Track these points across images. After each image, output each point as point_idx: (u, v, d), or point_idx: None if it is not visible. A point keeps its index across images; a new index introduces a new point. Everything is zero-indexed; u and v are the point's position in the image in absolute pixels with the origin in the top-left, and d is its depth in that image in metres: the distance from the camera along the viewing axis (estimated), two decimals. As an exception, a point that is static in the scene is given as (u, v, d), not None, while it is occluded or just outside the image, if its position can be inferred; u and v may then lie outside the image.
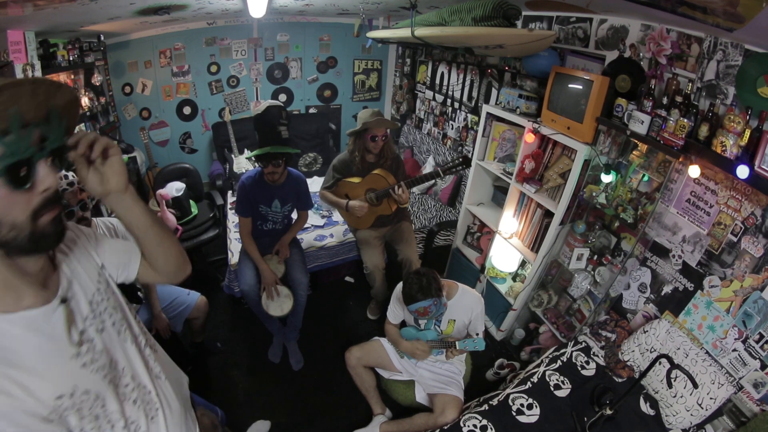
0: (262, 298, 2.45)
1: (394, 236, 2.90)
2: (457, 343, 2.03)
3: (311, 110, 5.08)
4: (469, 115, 3.71)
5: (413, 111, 4.69)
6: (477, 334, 2.10)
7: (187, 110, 4.55)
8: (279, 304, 2.48)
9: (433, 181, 3.89)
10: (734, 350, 1.82)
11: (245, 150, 4.17)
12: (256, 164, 2.64)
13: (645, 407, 1.93)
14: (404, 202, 2.56)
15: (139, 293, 2.13)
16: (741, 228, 1.77)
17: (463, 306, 2.12)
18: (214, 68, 4.44)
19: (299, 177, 2.55)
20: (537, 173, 2.55)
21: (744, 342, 1.78)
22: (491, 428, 1.80)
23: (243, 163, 3.99)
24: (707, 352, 1.92)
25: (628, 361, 2.10)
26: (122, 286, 1.96)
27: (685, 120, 1.69)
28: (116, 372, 0.85)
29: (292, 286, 2.53)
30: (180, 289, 2.39)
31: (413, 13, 2.33)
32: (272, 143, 2.26)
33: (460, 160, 2.45)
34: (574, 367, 2.12)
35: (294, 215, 2.72)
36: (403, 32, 2.54)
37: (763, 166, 1.47)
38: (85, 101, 3.36)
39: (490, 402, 1.94)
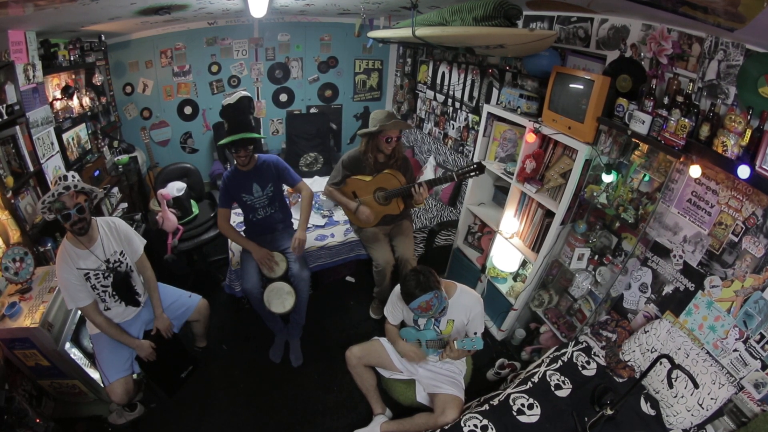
0: (264, 294, 2.45)
1: (393, 231, 2.91)
2: (455, 342, 2.03)
3: (312, 110, 5.08)
4: (470, 114, 3.70)
5: (414, 111, 4.69)
6: (474, 333, 2.10)
7: (188, 110, 4.56)
8: (281, 301, 2.48)
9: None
10: (735, 350, 1.81)
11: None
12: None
13: (646, 407, 1.93)
14: (421, 201, 2.58)
15: (137, 297, 2.13)
16: (742, 228, 1.77)
17: (462, 306, 2.12)
18: (215, 68, 4.45)
19: (269, 158, 2.61)
20: (538, 173, 2.55)
21: (745, 342, 1.77)
22: (492, 428, 1.80)
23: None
24: (708, 353, 1.92)
25: (628, 361, 2.10)
26: (122, 290, 1.96)
27: (686, 120, 1.69)
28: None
29: (294, 282, 2.53)
30: (181, 291, 2.39)
31: (414, 12, 2.33)
32: (244, 130, 2.36)
33: (475, 165, 2.48)
34: (575, 367, 2.12)
35: (293, 212, 2.73)
36: (404, 32, 2.54)
37: (764, 166, 1.46)
38: (86, 101, 3.36)
39: (491, 402, 1.94)
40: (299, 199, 2.85)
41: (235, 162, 2.50)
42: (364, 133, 2.65)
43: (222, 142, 2.41)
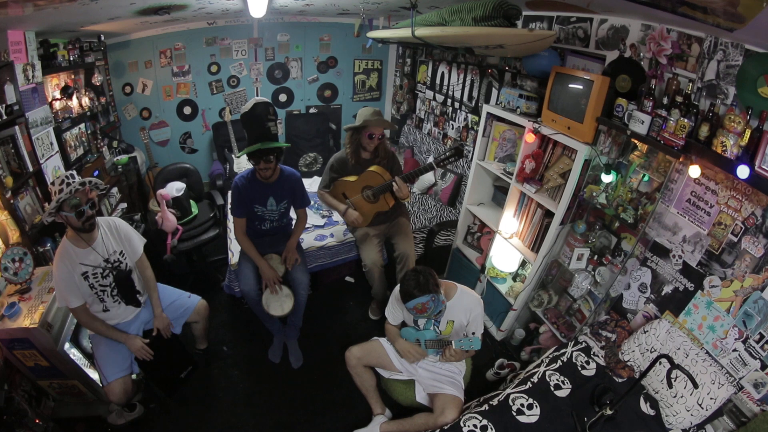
0: (263, 297, 2.45)
1: (391, 231, 2.91)
2: (453, 342, 2.02)
3: (311, 110, 5.09)
4: (469, 115, 3.71)
5: (413, 111, 4.69)
6: (473, 333, 2.10)
7: (187, 110, 4.55)
8: (280, 304, 2.48)
9: (433, 179, 3.89)
10: (734, 350, 1.81)
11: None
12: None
13: (645, 407, 1.93)
14: (404, 196, 2.56)
15: (138, 296, 2.13)
16: (741, 228, 1.77)
17: (462, 307, 2.12)
18: (214, 68, 4.45)
19: (293, 174, 2.52)
20: (537, 173, 2.55)
21: (744, 342, 1.78)
22: (491, 428, 1.80)
23: (243, 163, 3.99)
24: (707, 352, 1.92)
25: (628, 361, 2.10)
26: (124, 288, 1.96)
27: (686, 120, 1.69)
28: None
29: (293, 286, 2.53)
30: (180, 292, 2.39)
31: (413, 13, 2.33)
32: (262, 139, 2.23)
33: (452, 151, 2.46)
34: (575, 367, 2.12)
35: (292, 214, 2.71)
36: (404, 32, 2.55)
37: (764, 166, 1.46)
38: (85, 101, 3.36)
39: (491, 402, 1.94)
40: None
41: (258, 174, 2.36)
42: (349, 128, 2.67)
43: (240, 154, 2.33)
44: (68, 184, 1.74)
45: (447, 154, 2.49)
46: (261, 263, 2.47)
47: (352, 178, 2.74)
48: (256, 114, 2.24)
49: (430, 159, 4.11)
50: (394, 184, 2.54)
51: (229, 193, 3.59)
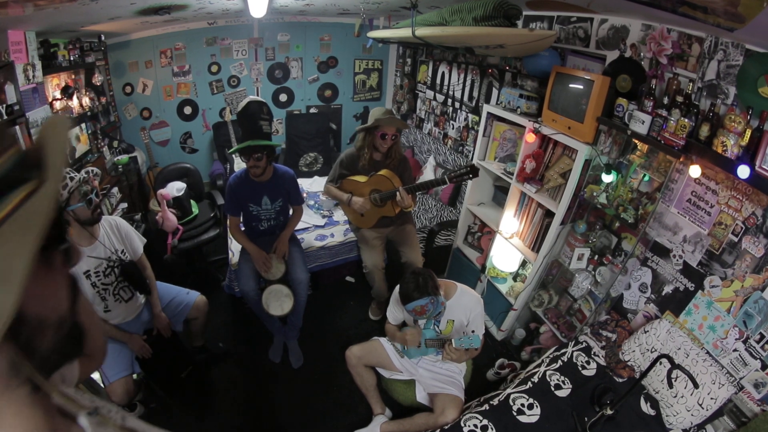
0: (262, 296, 2.45)
1: (398, 238, 2.90)
2: (453, 340, 2.03)
3: (312, 110, 5.08)
4: (469, 114, 3.70)
5: (414, 111, 4.69)
6: (473, 331, 2.10)
7: (187, 110, 4.55)
8: (279, 304, 2.48)
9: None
10: (735, 350, 1.81)
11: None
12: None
13: (645, 407, 1.93)
14: (407, 206, 2.54)
15: (147, 281, 2.14)
16: (742, 228, 1.77)
17: (462, 306, 2.12)
18: (214, 68, 4.45)
19: (286, 172, 2.54)
20: (538, 173, 2.55)
21: (745, 342, 1.78)
22: (492, 428, 1.80)
23: (243, 163, 3.99)
24: (708, 352, 1.92)
25: (628, 361, 2.10)
26: (131, 277, 2.06)
27: (686, 120, 1.69)
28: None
29: (293, 285, 2.53)
30: (179, 289, 2.39)
31: (414, 12, 2.33)
32: (252, 137, 2.27)
33: (468, 169, 2.43)
34: (575, 367, 2.12)
35: (291, 213, 2.72)
36: (404, 32, 2.54)
37: (764, 166, 1.47)
38: (85, 101, 3.36)
39: (491, 402, 1.94)
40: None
41: (250, 172, 2.40)
42: (362, 129, 2.66)
43: (230, 151, 2.38)
44: (72, 178, 1.75)
45: (461, 171, 2.43)
46: (250, 246, 2.50)
47: (361, 179, 2.73)
48: (249, 112, 2.28)
49: (430, 160, 4.11)
50: (397, 194, 2.51)
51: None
